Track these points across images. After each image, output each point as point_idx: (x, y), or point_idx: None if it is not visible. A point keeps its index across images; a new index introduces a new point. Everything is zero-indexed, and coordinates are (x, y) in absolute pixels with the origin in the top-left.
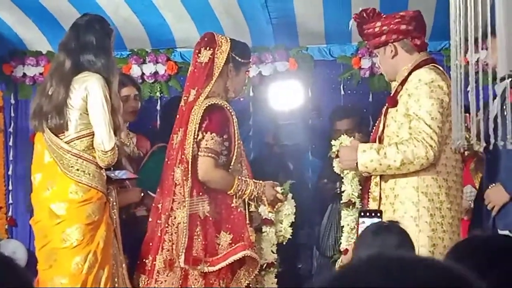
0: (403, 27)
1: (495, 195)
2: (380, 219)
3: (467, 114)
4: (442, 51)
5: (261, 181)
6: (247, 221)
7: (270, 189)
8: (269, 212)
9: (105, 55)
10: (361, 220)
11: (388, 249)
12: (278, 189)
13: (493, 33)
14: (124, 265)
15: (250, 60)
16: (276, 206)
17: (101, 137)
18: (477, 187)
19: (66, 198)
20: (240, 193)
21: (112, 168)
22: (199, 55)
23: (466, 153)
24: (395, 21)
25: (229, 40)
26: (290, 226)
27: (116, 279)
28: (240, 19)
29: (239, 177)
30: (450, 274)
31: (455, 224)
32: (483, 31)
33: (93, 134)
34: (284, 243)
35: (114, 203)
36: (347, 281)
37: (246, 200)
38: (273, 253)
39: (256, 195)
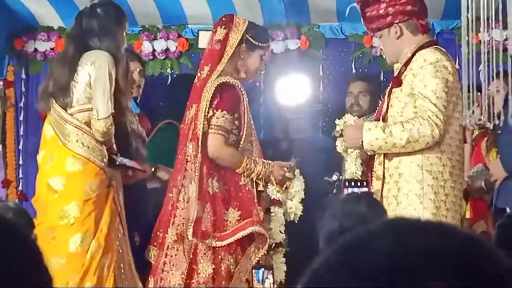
0: (408, 7)
1: (494, 169)
2: (365, 189)
3: (479, 93)
4: (454, 30)
5: (269, 161)
6: (255, 200)
7: (279, 169)
8: (278, 191)
9: (110, 38)
10: (346, 190)
11: (354, 219)
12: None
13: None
14: (130, 251)
15: (267, 44)
16: (285, 185)
17: (96, 106)
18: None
19: (64, 171)
20: (248, 171)
21: (118, 154)
22: (215, 33)
23: (475, 132)
24: (401, 2)
25: (246, 22)
26: (301, 202)
27: (121, 265)
28: None
29: (248, 156)
30: (470, 240)
31: (458, 203)
32: (495, 9)
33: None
34: (296, 221)
35: (119, 188)
36: (361, 248)
37: (254, 179)
38: (281, 233)
39: (265, 175)
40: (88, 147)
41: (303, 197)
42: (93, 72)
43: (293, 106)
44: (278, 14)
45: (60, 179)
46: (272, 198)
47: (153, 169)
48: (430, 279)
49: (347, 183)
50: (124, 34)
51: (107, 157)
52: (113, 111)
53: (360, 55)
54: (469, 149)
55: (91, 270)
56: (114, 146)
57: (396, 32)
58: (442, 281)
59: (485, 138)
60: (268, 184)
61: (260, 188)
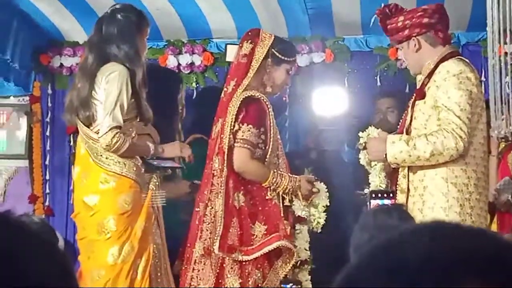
0: (425, 20)
1: None
2: (392, 201)
3: (505, 105)
4: (480, 42)
5: (296, 176)
6: (282, 214)
7: (305, 184)
8: (304, 206)
9: (128, 43)
10: (373, 202)
11: (385, 232)
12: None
13: None
14: (167, 256)
15: (294, 59)
16: (310, 199)
17: (99, 120)
18: None
19: (97, 189)
20: (275, 185)
21: (155, 157)
22: (242, 48)
23: (502, 144)
24: (418, 15)
25: (272, 36)
26: (324, 211)
27: (158, 269)
28: (276, 9)
29: (275, 170)
30: (507, 246)
31: (483, 216)
32: None
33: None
34: (318, 230)
35: (157, 192)
36: (398, 246)
37: (281, 193)
38: (307, 250)
39: (291, 189)
40: (119, 162)
41: (328, 204)
42: (106, 87)
43: (327, 117)
44: (302, 27)
45: (95, 197)
46: (297, 215)
47: (189, 189)
48: (465, 280)
49: (373, 195)
50: (145, 40)
51: (141, 166)
52: (120, 124)
53: (385, 68)
54: (495, 162)
55: (123, 273)
56: (150, 148)
57: (415, 45)
58: (477, 282)
59: None
60: (294, 199)
61: (286, 202)
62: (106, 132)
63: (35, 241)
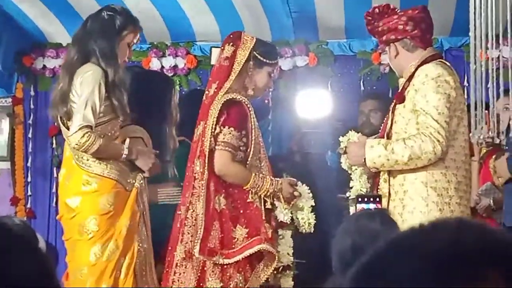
0: (400, 27)
1: (500, 167)
2: (377, 205)
3: (487, 111)
4: (462, 47)
5: (278, 179)
6: (263, 217)
7: (287, 186)
8: (285, 209)
9: (105, 42)
10: (359, 206)
11: (367, 237)
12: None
13: None
14: (152, 253)
15: (275, 61)
16: (292, 202)
17: (72, 121)
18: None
19: (79, 191)
20: (256, 188)
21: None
22: (223, 51)
23: (483, 149)
24: (393, 22)
25: (254, 39)
26: (312, 211)
27: (143, 267)
28: (260, 12)
29: (256, 173)
30: None
31: None
32: (504, 27)
33: (100, 124)
34: (311, 232)
35: (143, 190)
36: (425, 235)
37: (262, 196)
38: (290, 255)
39: (273, 192)
40: (101, 163)
41: (313, 204)
42: (79, 89)
43: (311, 120)
44: (286, 31)
45: (77, 199)
46: (279, 220)
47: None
48: (488, 268)
49: (359, 199)
50: (127, 44)
51: (123, 166)
52: (90, 123)
53: (369, 72)
54: (477, 167)
55: (107, 272)
56: (124, 151)
57: (394, 51)
58: (498, 271)
59: (493, 156)
60: (276, 202)
61: (268, 205)
62: (76, 131)
63: (17, 242)
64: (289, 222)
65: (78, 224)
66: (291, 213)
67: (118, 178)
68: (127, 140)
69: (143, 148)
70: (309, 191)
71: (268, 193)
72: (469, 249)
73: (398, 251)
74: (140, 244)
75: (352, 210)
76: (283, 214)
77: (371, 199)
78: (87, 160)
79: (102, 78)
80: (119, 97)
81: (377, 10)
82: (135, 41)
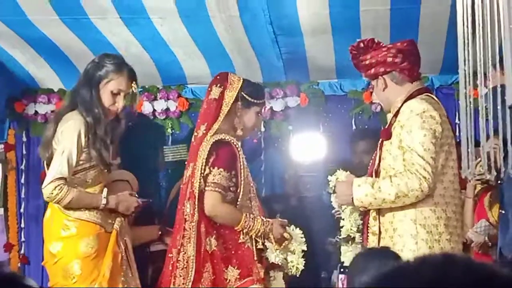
0: (389, 59)
1: None
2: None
3: (479, 148)
4: (453, 85)
5: (269, 219)
6: (255, 257)
7: (278, 227)
8: (276, 250)
9: (86, 89)
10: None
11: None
12: (287, 228)
13: (501, 64)
14: None
15: (263, 101)
16: (283, 244)
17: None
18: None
19: (59, 236)
20: (247, 229)
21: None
22: (210, 92)
23: (478, 187)
24: (382, 54)
25: (241, 79)
26: (302, 257)
27: None
28: (250, 55)
29: (247, 214)
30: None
31: None
32: (492, 64)
33: (81, 171)
34: (297, 275)
35: (123, 230)
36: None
37: (254, 236)
38: None
39: (264, 232)
40: (81, 208)
41: (305, 249)
42: (60, 138)
43: (304, 163)
44: (277, 72)
45: (58, 245)
46: (271, 262)
47: (160, 232)
48: None
49: (341, 269)
50: (110, 91)
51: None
52: (63, 175)
53: (360, 112)
54: (472, 203)
55: None
56: (101, 201)
57: (382, 83)
58: None
59: (489, 193)
60: (266, 243)
61: (260, 246)
62: (48, 184)
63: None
64: (280, 264)
65: (61, 269)
66: (281, 255)
67: (97, 221)
68: (105, 190)
69: (122, 193)
70: (302, 235)
71: (259, 233)
72: (456, 284)
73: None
74: (126, 286)
75: (343, 250)
76: (274, 255)
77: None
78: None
79: (83, 128)
80: (98, 148)
81: (362, 44)
82: (121, 88)
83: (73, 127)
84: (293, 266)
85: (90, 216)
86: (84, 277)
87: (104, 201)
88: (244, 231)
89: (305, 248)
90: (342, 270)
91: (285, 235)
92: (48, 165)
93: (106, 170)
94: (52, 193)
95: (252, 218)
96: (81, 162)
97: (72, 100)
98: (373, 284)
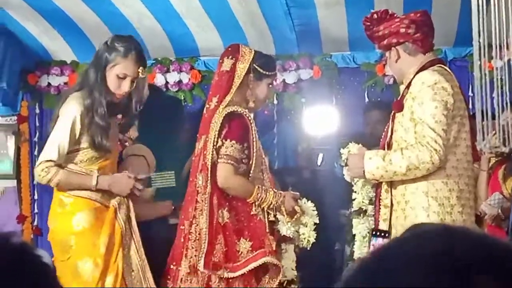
0: (402, 30)
1: None
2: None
3: (494, 121)
4: (467, 57)
5: (281, 191)
6: (267, 229)
7: (290, 200)
8: (288, 222)
9: (92, 71)
10: (372, 239)
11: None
12: (299, 201)
13: None
14: (147, 268)
15: (274, 73)
16: (295, 217)
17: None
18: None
19: (56, 212)
20: (259, 201)
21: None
22: (222, 64)
23: (492, 159)
24: (395, 25)
25: (253, 51)
26: (314, 229)
27: (138, 284)
28: (263, 27)
29: (259, 186)
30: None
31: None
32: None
33: (78, 150)
34: (308, 248)
35: (123, 206)
36: (409, 246)
37: (266, 208)
38: (293, 270)
39: (276, 204)
40: None
41: (317, 222)
42: (57, 121)
43: (317, 134)
44: (290, 44)
45: (54, 220)
46: (282, 234)
47: (173, 207)
48: (478, 275)
49: (374, 232)
50: (116, 75)
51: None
52: (51, 158)
53: (373, 84)
54: (486, 176)
55: None
56: (93, 181)
57: (395, 55)
58: (489, 279)
59: (503, 166)
60: (278, 215)
61: (272, 218)
62: (37, 165)
63: (24, 257)
64: (292, 236)
65: (59, 243)
66: (293, 227)
67: (93, 197)
68: (95, 172)
69: (119, 174)
70: (314, 208)
71: (271, 206)
72: (456, 257)
73: (382, 262)
74: (135, 260)
75: (355, 222)
76: (285, 227)
77: (384, 234)
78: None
79: (79, 113)
80: (92, 133)
81: (375, 15)
82: (127, 72)
83: (70, 112)
84: (304, 239)
85: (85, 193)
86: (79, 252)
87: (94, 182)
88: (256, 203)
89: (317, 221)
90: (377, 233)
91: (297, 208)
92: None
93: (103, 153)
94: (39, 175)
95: (264, 190)
96: (81, 143)
97: (81, 80)
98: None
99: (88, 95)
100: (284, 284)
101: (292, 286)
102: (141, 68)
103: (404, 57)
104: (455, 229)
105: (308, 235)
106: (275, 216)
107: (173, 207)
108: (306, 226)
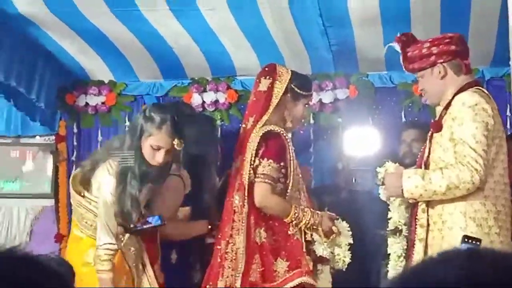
0: (452, 47)
1: None
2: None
3: None
4: (504, 77)
5: (318, 211)
6: (304, 249)
7: (327, 220)
8: (324, 243)
9: (129, 138)
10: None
11: None
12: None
13: None
14: None
15: (311, 93)
16: (331, 237)
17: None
18: None
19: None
20: (297, 220)
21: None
22: (259, 84)
23: None
24: (445, 42)
25: (290, 71)
26: (349, 250)
27: None
28: (300, 46)
29: (296, 205)
30: None
31: (504, 249)
32: None
33: None
34: (343, 269)
35: (132, 253)
36: (431, 272)
37: (303, 228)
38: None
39: (313, 224)
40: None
41: (351, 242)
42: (97, 195)
43: (354, 154)
44: (326, 64)
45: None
46: (318, 254)
47: (209, 227)
48: None
49: (465, 238)
50: (150, 145)
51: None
52: (111, 241)
53: (410, 104)
54: None
55: None
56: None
57: (440, 71)
58: None
59: None
60: (314, 236)
61: (308, 238)
62: (100, 247)
63: (50, 278)
64: (328, 257)
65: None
66: (329, 248)
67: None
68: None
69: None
70: (349, 228)
71: (309, 225)
72: (481, 280)
73: (408, 283)
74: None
75: (390, 241)
76: (322, 248)
77: (474, 241)
78: (86, 223)
79: (112, 185)
80: (122, 204)
81: (404, 38)
82: (160, 144)
83: (105, 188)
84: (340, 259)
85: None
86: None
87: None
88: (294, 222)
89: (351, 241)
90: (466, 240)
91: (334, 228)
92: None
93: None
94: (101, 259)
95: (301, 210)
96: None
97: (118, 145)
98: (397, 283)
99: (123, 161)
100: None
101: None
102: (176, 140)
103: (450, 75)
104: (480, 255)
105: (343, 255)
106: (311, 236)
107: (209, 226)
108: (341, 247)
